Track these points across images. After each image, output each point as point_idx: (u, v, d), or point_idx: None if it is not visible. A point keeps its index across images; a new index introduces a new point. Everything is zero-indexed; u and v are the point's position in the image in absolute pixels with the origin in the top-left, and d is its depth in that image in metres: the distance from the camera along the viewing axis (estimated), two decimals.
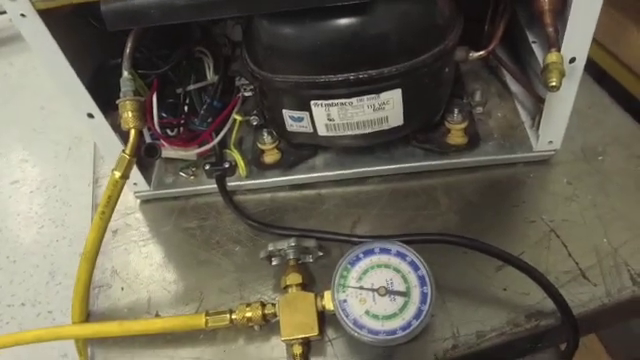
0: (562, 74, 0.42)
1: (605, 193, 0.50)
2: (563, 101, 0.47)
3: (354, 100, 0.46)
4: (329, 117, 0.48)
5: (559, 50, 0.43)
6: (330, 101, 0.47)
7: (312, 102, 0.47)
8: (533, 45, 0.50)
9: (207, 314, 0.43)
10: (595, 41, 0.77)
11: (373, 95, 0.46)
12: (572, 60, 0.43)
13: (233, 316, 0.43)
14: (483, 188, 0.53)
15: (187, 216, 0.55)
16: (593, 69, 0.77)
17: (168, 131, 0.56)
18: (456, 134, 0.54)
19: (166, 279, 0.50)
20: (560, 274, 0.44)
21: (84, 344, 0.46)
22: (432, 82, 0.49)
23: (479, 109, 0.58)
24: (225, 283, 0.49)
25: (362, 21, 0.42)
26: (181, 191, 0.57)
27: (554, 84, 0.41)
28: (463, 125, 0.53)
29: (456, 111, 0.53)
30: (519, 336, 0.42)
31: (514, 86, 0.60)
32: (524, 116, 0.56)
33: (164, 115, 0.56)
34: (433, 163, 0.54)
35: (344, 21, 0.42)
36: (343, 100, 0.46)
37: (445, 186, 0.54)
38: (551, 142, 0.51)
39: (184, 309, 0.47)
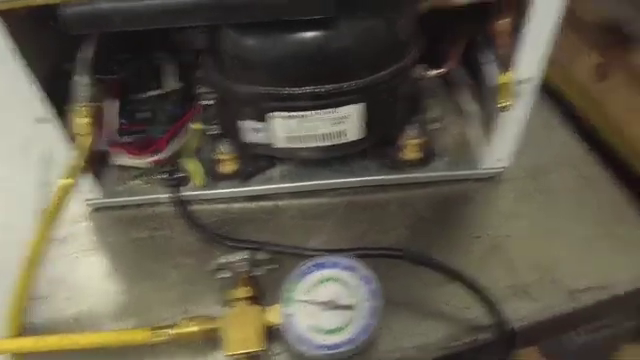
0: (513, 95, 0.43)
1: (549, 211, 0.52)
2: (513, 121, 0.49)
3: (314, 113, 0.47)
4: (288, 129, 0.48)
5: (512, 71, 0.44)
6: (290, 113, 0.47)
7: (272, 113, 0.47)
8: (488, 65, 0.52)
9: (151, 328, 0.43)
10: (550, 60, 0.80)
11: (333, 109, 0.47)
12: (524, 81, 0.45)
13: (177, 330, 0.42)
14: (435, 203, 0.54)
15: (138, 226, 0.54)
16: (546, 88, 0.80)
17: (123, 138, 0.56)
18: (411, 149, 0.55)
19: (112, 291, 0.49)
20: (502, 289, 0.46)
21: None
22: (391, 98, 0.50)
23: (434, 125, 0.59)
24: (172, 296, 0.48)
25: (325, 35, 0.42)
26: (133, 200, 0.56)
27: (505, 104, 0.42)
28: (419, 141, 0.54)
29: (412, 127, 0.54)
30: (459, 350, 0.43)
31: (469, 104, 0.61)
32: (477, 133, 0.57)
33: (120, 121, 0.55)
34: (388, 177, 0.55)
35: (308, 35, 0.42)
36: (303, 113, 0.47)
37: (399, 200, 0.55)
38: (500, 160, 0.53)
39: (128, 322, 0.46)
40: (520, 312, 0.44)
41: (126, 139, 0.55)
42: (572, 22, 0.72)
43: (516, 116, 0.48)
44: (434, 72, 0.52)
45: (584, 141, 0.60)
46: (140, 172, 0.57)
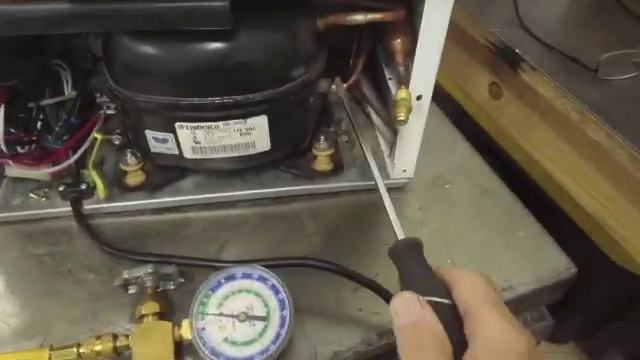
0: (409, 110, 0.46)
1: (451, 218, 0.55)
2: (413, 134, 0.51)
3: (220, 124, 0.47)
4: (195, 140, 0.48)
5: (408, 87, 0.47)
6: (196, 124, 0.46)
7: (177, 124, 0.46)
8: (389, 82, 0.54)
9: (51, 348, 0.40)
10: (451, 79, 0.86)
11: (240, 120, 0.47)
12: (419, 97, 0.48)
13: (81, 350, 0.40)
14: (346, 212, 0.56)
15: (36, 241, 0.51)
16: (448, 103, 0.86)
17: (18, 148, 0.52)
18: (322, 160, 0.56)
19: (7, 311, 0.45)
20: None
21: None
22: (297, 110, 0.51)
23: (344, 137, 0.61)
24: (76, 314, 0.45)
25: (224, 47, 0.42)
26: (30, 214, 0.52)
27: (402, 118, 0.45)
28: (329, 152, 0.56)
29: (322, 138, 0.55)
30: (372, 354, 0.44)
31: (375, 117, 0.64)
32: (383, 145, 0.60)
33: (12, 131, 0.51)
34: (300, 188, 0.56)
35: (207, 46, 0.42)
36: (209, 123, 0.46)
37: (311, 210, 0.55)
38: (405, 170, 0.56)
39: (26, 344, 0.43)
40: None
41: (18, 149, 0.52)
42: (466, 44, 0.78)
43: (415, 129, 0.51)
44: None
45: (482, 153, 0.64)
46: (38, 184, 0.53)
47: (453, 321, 0.30)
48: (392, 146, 0.58)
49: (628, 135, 0.55)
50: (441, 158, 0.62)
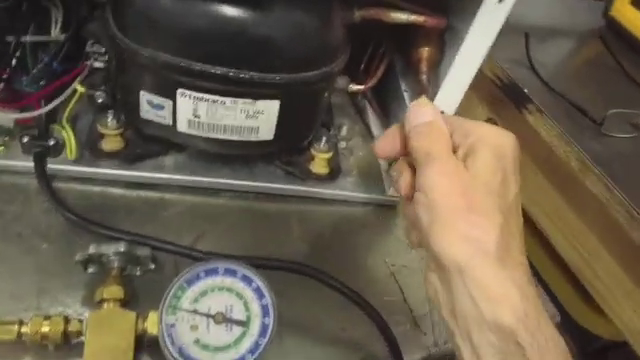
0: None
1: None
2: None
3: (228, 100, 0.42)
4: (195, 112, 0.43)
5: (428, 97, 0.44)
6: (201, 94, 0.41)
7: (179, 90, 0.41)
8: (405, 94, 0.52)
9: None
10: None
11: (249, 100, 0.42)
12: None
13: (23, 329, 0.33)
14: (336, 222, 0.52)
15: None
16: None
17: None
18: (320, 163, 0.53)
19: None
20: (394, 318, 0.44)
21: None
22: (310, 102, 0.47)
23: (343, 144, 0.57)
24: (20, 287, 0.39)
25: (255, 17, 0.38)
26: None
27: None
28: (328, 155, 0.52)
29: (323, 140, 0.52)
30: None
31: (376, 129, 0.61)
32: (381, 160, 0.57)
33: None
34: (292, 188, 0.52)
35: (235, 10, 0.37)
36: (216, 97, 0.42)
37: (300, 214, 0.51)
38: None
39: None
40: (411, 345, 0.43)
41: None
42: None
43: None
44: (355, 87, 0.51)
45: None
46: None
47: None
48: (391, 162, 0.55)
49: (627, 192, 0.55)
50: None
